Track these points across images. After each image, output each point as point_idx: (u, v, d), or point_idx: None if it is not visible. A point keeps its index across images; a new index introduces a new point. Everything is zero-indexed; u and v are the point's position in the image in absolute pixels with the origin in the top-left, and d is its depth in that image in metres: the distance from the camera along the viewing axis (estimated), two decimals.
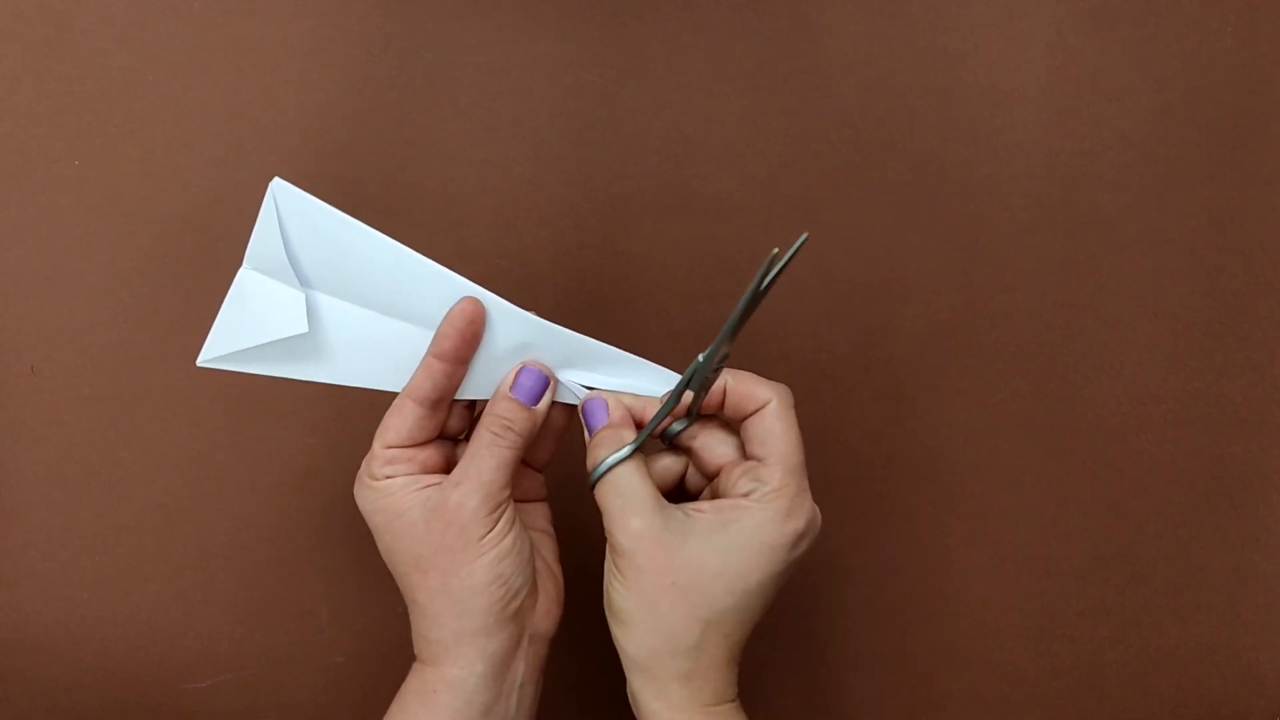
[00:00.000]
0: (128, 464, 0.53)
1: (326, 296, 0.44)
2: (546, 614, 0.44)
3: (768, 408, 0.42)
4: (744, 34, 0.53)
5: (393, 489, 0.42)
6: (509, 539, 0.41)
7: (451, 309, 0.42)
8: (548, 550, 0.45)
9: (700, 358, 0.41)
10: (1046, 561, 0.55)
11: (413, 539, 0.41)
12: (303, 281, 0.43)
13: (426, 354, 0.42)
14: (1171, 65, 0.53)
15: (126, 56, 0.52)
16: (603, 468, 0.41)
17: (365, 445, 0.54)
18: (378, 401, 0.54)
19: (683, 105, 0.53)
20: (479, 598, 0.40)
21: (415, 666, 0.42)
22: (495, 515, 0.41)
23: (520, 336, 0.43)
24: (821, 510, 0.54)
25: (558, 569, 0.45)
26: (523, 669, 0.43)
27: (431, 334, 0.42)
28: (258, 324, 0.44)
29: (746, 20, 0.53)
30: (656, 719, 0.41)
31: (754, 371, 0.55)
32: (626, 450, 0.41)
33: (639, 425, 0.43)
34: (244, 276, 0.44)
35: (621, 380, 0.44)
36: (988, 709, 0.55)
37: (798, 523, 0.41)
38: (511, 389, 0.42)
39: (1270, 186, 0.53)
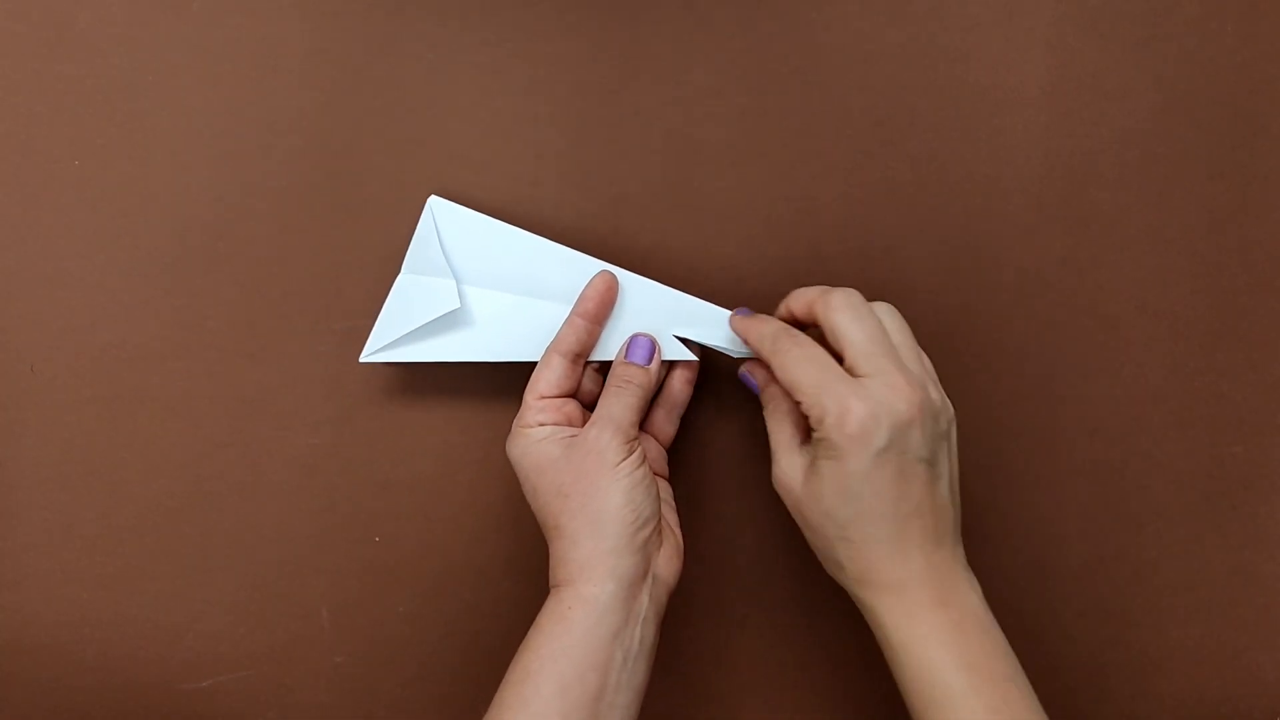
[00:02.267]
0: (128, 464, 0.54)
1: (475, 288, 0.51)
2: (668, 560, 0.48)
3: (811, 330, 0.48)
4: (744, 34, 0.53)
5: (541, 435, 0.47)
6: (640, 471, 0.46)
7: (593, 278, 0.49)
8: (670, 516, 0.50)
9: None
10: (1046, 561, 0.55)
11: (556, 471, 0.46)
12: (456, 278, 0.51)
13: (571, 314, 0.49)
14: (1171, 65, 0.53)
15: (126, 56, 0.52)
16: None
17: (366, 445, 0.54)
18: (378, 403, 0.54)
19: (683, 105, 0.53)
20: (613, 518, 0.45)
21: (551, 594, 0.46)
22: (627, 448, 0.46)
23: (638, 299, 0.51)
24: None
25: (679, 533, 0.50)
26: (647, 604, 0.46)
27: (567, 308, 0.50)
28: (415, 312, 0.50)
29: (746, 20, 0.53)
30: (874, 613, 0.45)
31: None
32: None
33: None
34: (402, 280, 0.51)
35: (719, 333, 0.51)
36: None
37: (835, 447, 0.43)
38: (626, 355, 0.49)
39: (1270, 186, 0.53)
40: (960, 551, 0.45)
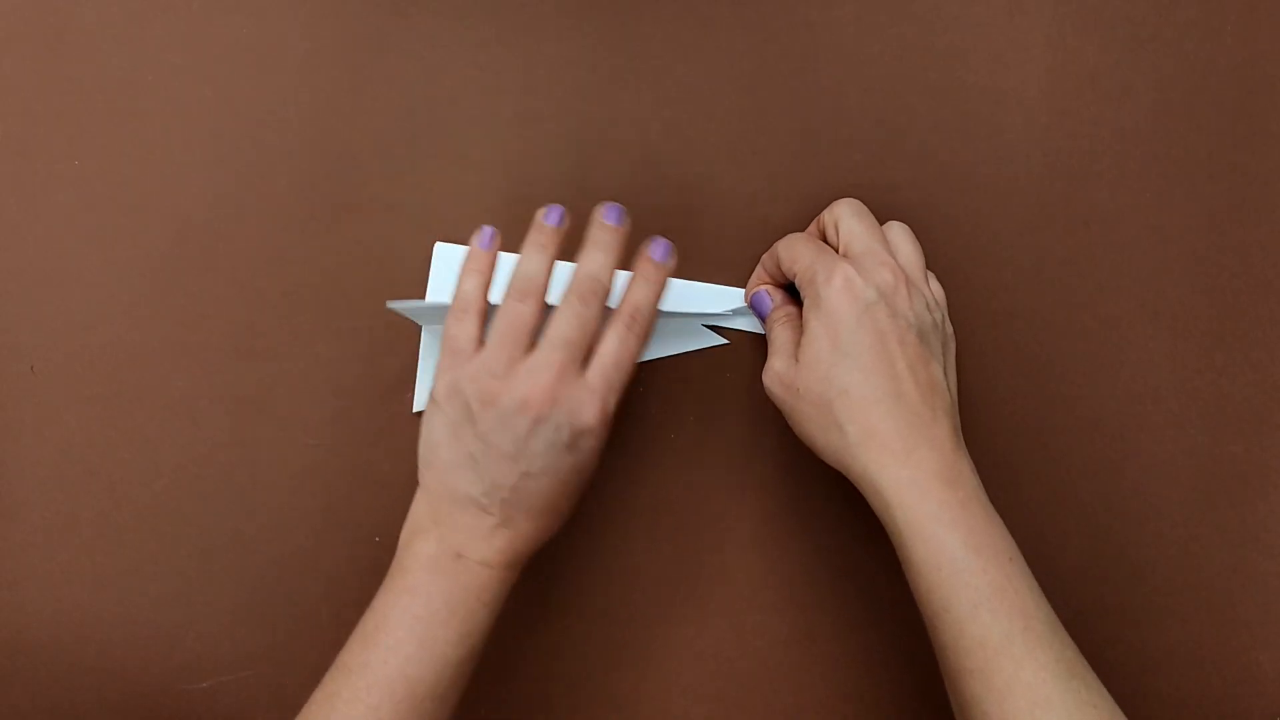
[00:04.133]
0: (128, 464, 0.53)
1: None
2: None
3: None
4: (744, 34, 0.53)
5: None
6: None
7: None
8: None
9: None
10: (1046, 561, 0.54)
11: None
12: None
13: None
14: (1171, 65, 0.53)
15: (126, 56, 0.52)
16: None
17: (366, 445, 0.54)
18: (378, 403, 0.54)
19: (683, 105, 0.53)
20: None
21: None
22: None
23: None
24: (823, 509, 0.54)
25: None
26: None
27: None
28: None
29: (746, 20, 0.53)
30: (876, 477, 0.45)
31: (750, 373, 0.55)
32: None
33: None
34: (428, 335, 0.52)
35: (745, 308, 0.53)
36: None
37: (824, 301, 0.46)
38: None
39: (1270, 186, 0.53)
40: (962, 441, 0.46)
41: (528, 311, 0.46)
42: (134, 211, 0.53)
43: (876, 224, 0.49)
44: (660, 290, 0.49)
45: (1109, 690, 0.45)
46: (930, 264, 0.53)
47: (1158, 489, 0.54)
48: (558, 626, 0.54)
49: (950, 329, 0.49)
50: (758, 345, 0.54)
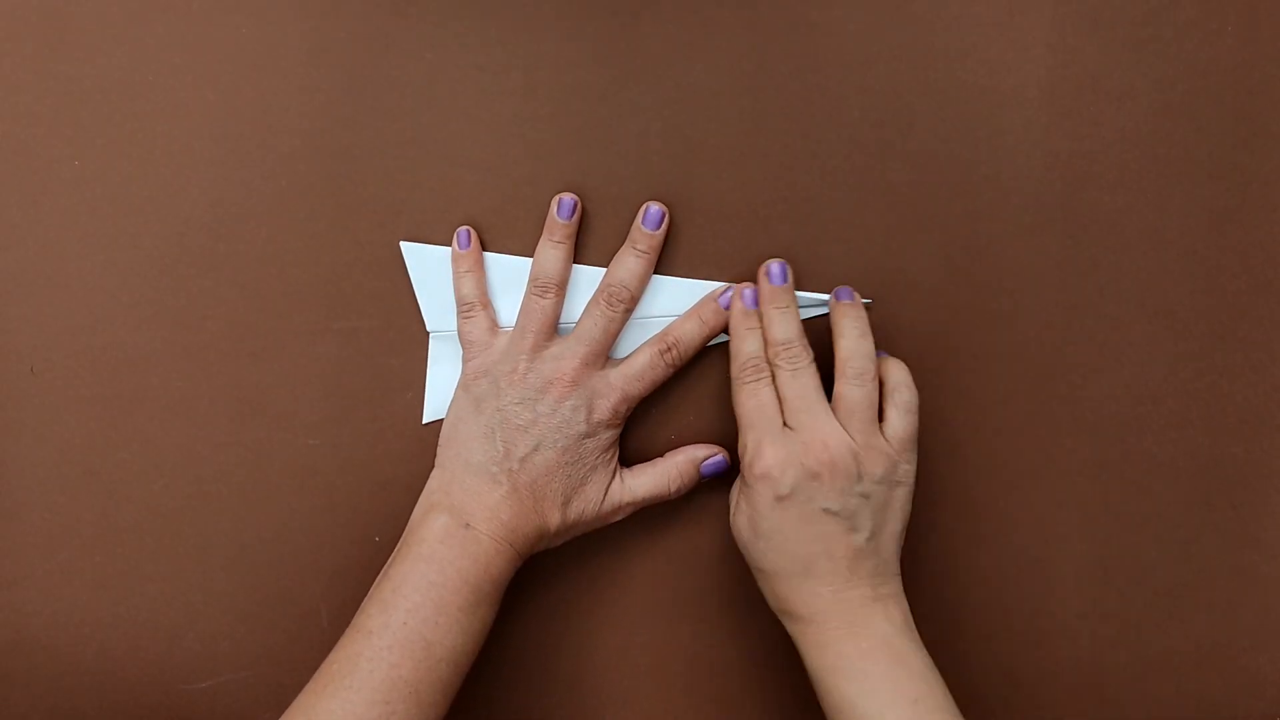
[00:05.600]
0: (128, 464, 0.54)
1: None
2: None
3: None
4: (744, 34, 0.53)
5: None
6: None
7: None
8: None
9: None
10: (1046, 563, 0.55)
11: None
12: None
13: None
14: (1171, 65, 0.53)
15: (126, 56, 0.52)
16: None
17: (366, 445, 0.54)
18: (378, 403, 0.54)
19: (683, 105, 0.53)
20: None
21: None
22: None
23: (661, 295, 0.53)
24: None
25: None
26: None
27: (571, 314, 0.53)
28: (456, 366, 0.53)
29: (746, 20, 0.53)
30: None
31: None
32: None
33: None
34: (434, 342, 0.53)
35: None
36: (988, 710, 0.55)
37: (747, 484, 0.48)
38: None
39: (1270, 186, 0.53)
40: (886, 589, 0.47)
41: (549, 304, 0.50)
42: (134, 212, 0.53)
43: (854, 392, 0.48)
44: (710, 335, 0.52)
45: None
46: (930, 264, 0.53)
47: (1158, 490, 0.54)
48: (558, 627, 0.54)
49: (904, 471, 0.48)
50: None
